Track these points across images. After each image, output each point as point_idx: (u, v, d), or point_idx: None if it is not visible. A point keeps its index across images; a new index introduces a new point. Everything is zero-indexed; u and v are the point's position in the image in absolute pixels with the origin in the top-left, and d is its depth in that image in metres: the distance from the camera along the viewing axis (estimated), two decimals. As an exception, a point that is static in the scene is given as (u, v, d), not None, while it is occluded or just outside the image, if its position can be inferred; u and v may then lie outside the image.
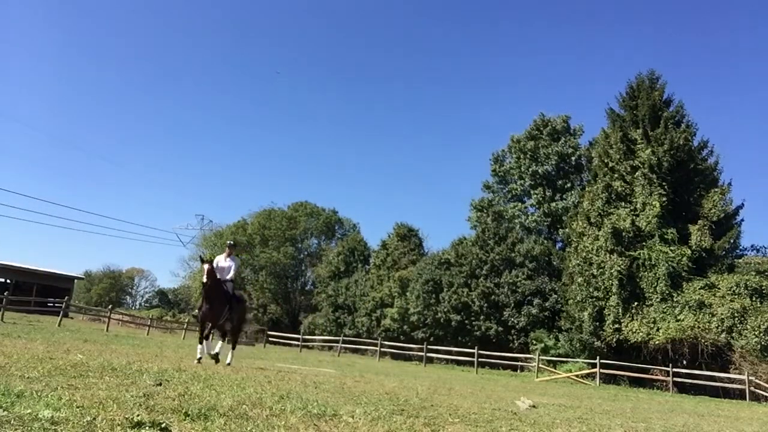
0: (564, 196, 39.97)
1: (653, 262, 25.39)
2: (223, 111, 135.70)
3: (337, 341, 35.22)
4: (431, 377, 16.15)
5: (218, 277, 10.54)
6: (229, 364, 10.49)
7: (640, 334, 24.68)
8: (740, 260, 26.69)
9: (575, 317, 27.79)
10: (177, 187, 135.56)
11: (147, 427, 3.25)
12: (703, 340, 23.37)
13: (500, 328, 33.85)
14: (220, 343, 11.02)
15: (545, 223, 40.55)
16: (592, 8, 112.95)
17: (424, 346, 30.64)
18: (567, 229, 32.60)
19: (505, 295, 34.42)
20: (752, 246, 28.60)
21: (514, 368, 29.66)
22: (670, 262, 24.97)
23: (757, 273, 24.78)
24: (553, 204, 39.88)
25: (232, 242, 11.73)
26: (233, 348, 11.14)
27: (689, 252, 25.46)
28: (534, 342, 31.20)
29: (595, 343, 26.47)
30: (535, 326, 32.68)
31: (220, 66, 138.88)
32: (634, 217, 26.92)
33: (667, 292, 24.76)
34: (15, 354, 6.68)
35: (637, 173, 27.83)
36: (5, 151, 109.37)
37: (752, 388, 21.40)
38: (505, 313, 34.11)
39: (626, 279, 25.74)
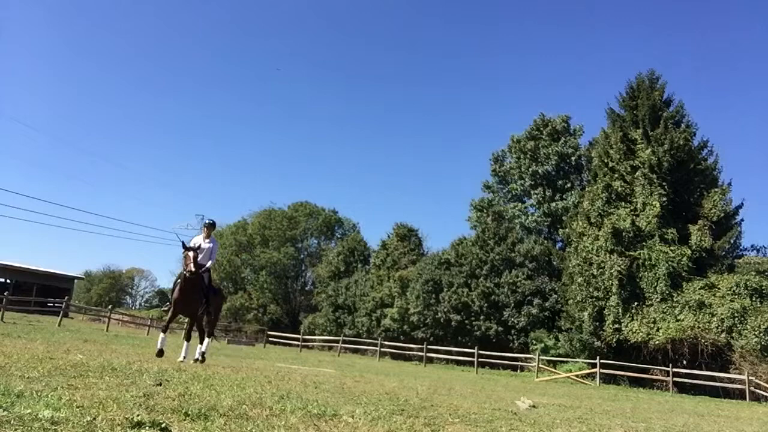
0: (564, 196, 39.97)
1: (653, 262, 25.39)
2: (223, 111, 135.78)
3: (337, 341, 35.22)
4: (431, 377, 16.15)
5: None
6: (197, 360, 9.75)
7: (640, 334, 24.68)
8: (740, 260, 26.69)
9: (575, 317, 27.80)
10: (177, 187, 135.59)
11: (147, 427, 3.24)
12: (703, 340, 23.37)
13: (500, 328, 33.85)
14: (199, 346, 10.13)
15: (545, 223, 40.55)
16: (592, 8, 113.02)
17: (424, 346, 30.64)
18: (567, 229, 32.60)
19: (505, 295, 34.43)
20: (752, 246, 28.65)
21: (514, 368, 29.66)
22: (670, 262, 24.97)
23: (757, 273, 24.78)
24: (553, 204, 39.88)
25: (211, 221, 10.39)
26: (201, 342, 10.34)
27: (689, 252, 25.45)
28: (534, 342, 31.20)
29: (595, 343, 26.47)
30: (535, 326, 32.68)
31: (220, 65, 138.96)
32: (634, 217, 26.93)
33: (667, 292, 24.77)
34: (15, 354, 6.68)
35: (637, 173, 27.84)
36: (5, 151, 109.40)
37: (752, 388, 21.40)
38: (505, 313, 34.11)
39: (626, 279, 25.74)
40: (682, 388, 23.19)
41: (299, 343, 35.70)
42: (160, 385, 5.12)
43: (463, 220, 54.86)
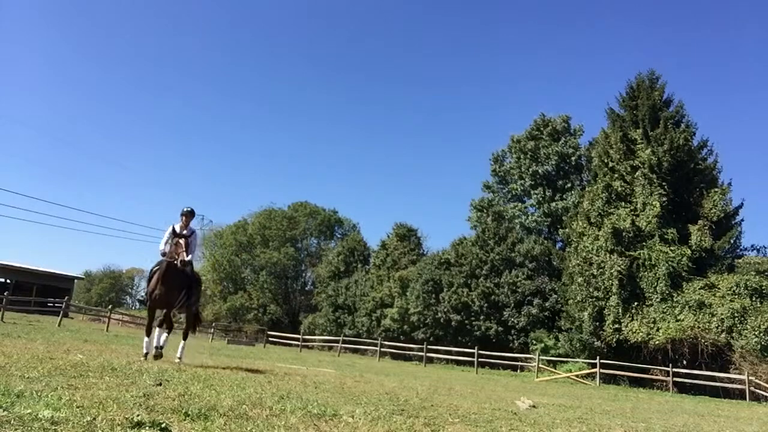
0: (564, 196, 39.97)
1: (653, 262, 25.39)
2: (223, 111, 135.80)
3: (337, 341, 35.21)
4: (431, 377, 16.15)
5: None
6: (180, 359, 9.11)
7: (640, 334, 24.68)
8: (740, 260, 26.68)
9: (575, 317, 27.80)
10: (177, 187, 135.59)
11: (147, 427, 3.24)
12: (703, 340, 23.37)
13: (500, 328, 33.85)
14: (165, 334, 9.22)
15: (545, 223, 40.55)
16: (592, 8, 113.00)
17: (424, 346, 30.63)
18: (567, 229, 32.60)
19: (505, 295, 34.42)
20: (752, 246, 28.62)
21: (514, 368, 29.66)
22: (670, 262, 24.97)
23: (757, 273, 24.77)
24: (553, 204, 39.89)
25: (190, 209, 9.45)
26: (185, 338, 9.68)
27: (689, 252, 25.45)
28: (534, 342, 31.20)
29: (595, 343, 26.46)
30: (535, 326, 32.68)
31: (220, 65, 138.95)
32: (634, 217, 26.92)
33: (667, 292, 24.77)
34: (15, 354, 6.68)
35: (637, 173, 27.84)
36: (5, 151, 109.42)
37: (752, 388, 21.39)
38: (505, 313, 34.11)
39: (626, 279, 25.74)
40: (682, 388, 23.18)
41: (299, 343, 35.69)
42: (160, 385, 5.12)
43: (463, 220, 54.89)
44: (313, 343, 39.13)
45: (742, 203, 27.85)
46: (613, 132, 30.25)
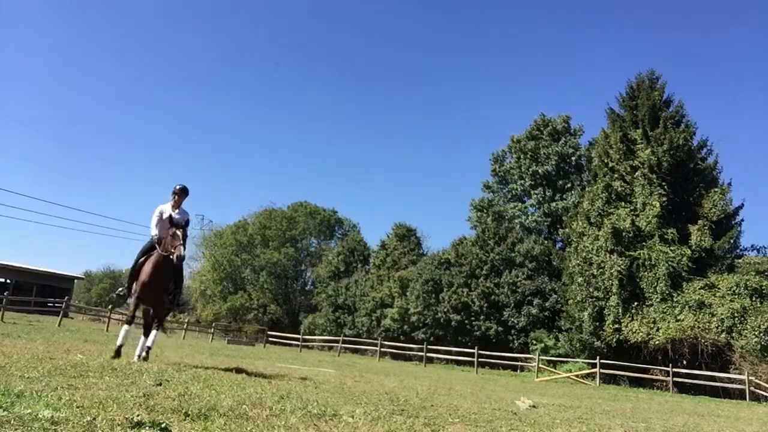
0: (564, 196, 39.98)
1: (653, 262, 25.40)
2: (222, 110, 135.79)
3: (337, 341, 35.21)
4: (431, 377, 16.15)
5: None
6: (141, 356, 8.06)
7: (640, 334, 24.68)
8: (740, 260, 26.68)
9: (575, 317, 27.80)
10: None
11: (147, 427, 3.24)
12: (703, 340, 23.37)
13: (500, 328, 33.85)
14: (147, 337, 8.35)
15: (545, 223, 40.56)
16: (592, 8, 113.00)
17: (424, 346, 30.63)
18: (567, 229, 32.61)
19: (505, 295, 34.43)
20: (752, 246, 28.62)
21: (514, 368, 29.66)
22: (670, 262, 24.97)
23: (757, 273, 24.77)
24: (553, 204, 39.90)
25: (183, 186, 8.25)
26: (147, 335, 8.48)
27: (689, 252, 25.46)
28: (534, 342, 31.20)
29: (595, 343, 26.47)
30: (535, 326, 32.68)
31: (220, 65, 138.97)
32: (634, 217, 26.93)
33: (667, 292, 24.77)
34: (15, 354, 6.68)
35: (636, 173, 27.84)
36: (5, 151, 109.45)
37: (752, 388, 21.40)
38: (505, 313, 34.11)
39: (626, 279, 25.74)
40: (682, 388, 23.19)
41: (299, 343, 35.69)
42: (160, 385, 5.12)
43: (463, 220, 54.92)
44: (313, 343, 39.14)
45: (742, 203, 27.88)
46: (613, 132, 30.25)
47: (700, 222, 26.42)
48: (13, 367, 5.27)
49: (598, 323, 26.43)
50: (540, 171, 41.09)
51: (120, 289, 8.45)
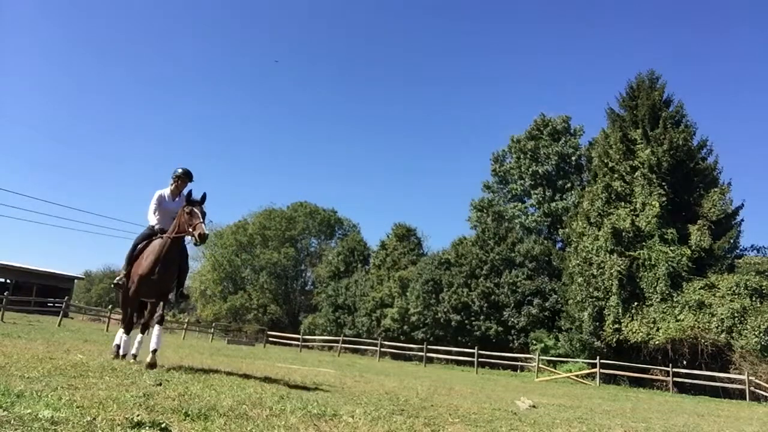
0: (564, 196, 40.02)
1: (653, 262, 25.41)
2: (223, 110, 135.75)
3: (337, 341, 35.21)
4: (431, 377, 16.15)
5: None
6: (152, 363, 6.44)
7: (640, 334, 24.69)
8: (740, 260, 26.70)
9: (575, 317, 27.81)
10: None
11: (147, 427, 3.24)
12: (703, 340, 23.39)
13: (500, 328, 33.86)
14: (144, 335, 7.40)
15: (545, 223, 40.59)
16: (592, 8, 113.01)
17: (424, 346, 30.63)
18: (567, 229, 32.64)
19: (505, 295, 34.44)
20: (752, 246, 28.69)
21: (514, 368, 29.67)
22: (670, 262, 24.98)
23: (757, 273, 24.79)
24: (553, 204, 39.92)
25: (187, 170, 7.31)
26: (144, 332, 7.43)
27: (689, 252, 25.47)
28: (534, 342, 31.21)
29: (595, 343, 26.48)
30: (535, 326, 32.69)
31: (220, 64, 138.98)
32: (633, 217, 26.94)
33: (667, 292, 24.78)
34: (15, 354, 6.68)
35: (636, 173, 27.86)
36: (5, 151, 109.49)
37: (752, 388, 21.40)
38: (505, 313, 34.13)
39: (626, 279, 25.75)
40: (682, 388, 23.19)
41: (299, 343, 35.69)
42: (160, 385, 5.12)
43: (463, 220, 54.93)
44: (313, 343, 39.15)
45: (742, 203, 27.92)
46: (613, 132, 30.28)
47: (699, 222, 26.43)
48: (13, 367, 5.27)
49: (598, 323, 26.44)
50: (540, 171, 41.12)
51: (118, 277, 7.32)
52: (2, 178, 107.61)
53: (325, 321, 44.92)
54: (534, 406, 8.29)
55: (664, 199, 26.59)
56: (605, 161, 29.71)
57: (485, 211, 42.32)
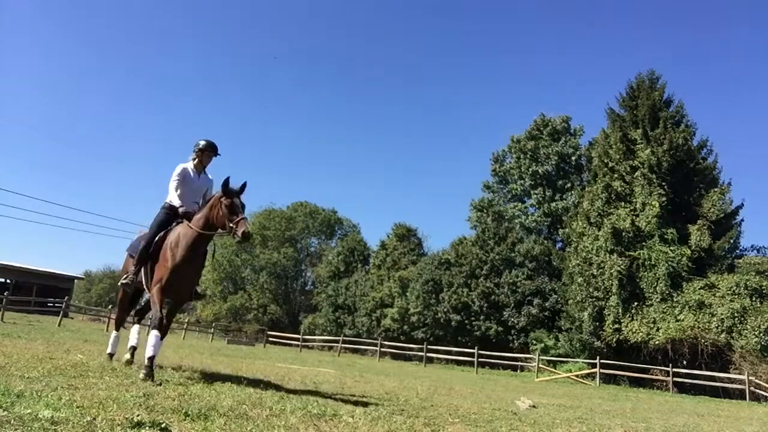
0: (564, 196, 40.03)
1: (653, 262, 25.41)
2: (223, 110, 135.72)
3: (337, 341, 35.20)
4: (431, 377, 16.15)
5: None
6: (148, 373, 5.32)
7: (640, 334, 24.69)
8: (740, 260, 26.71)
9: (575, 317, 27.82)
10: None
11: (147, 427, 3.24)
12: (703, 340, 23.39)
13: (500, 328, 33.87)
14: (137, 326, 6.90)
15: (545, 223, 40.60)
16: (592, 8, 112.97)
17: (424, 346, 30.63)
18: (567, 229, 32.65)
19: (505, 295, 34.44)
20: (752, 246, 28.67)
21: (514, 368, 29.67)
22: (670, 262, 24.99)
23: (757, 273, 24.79)
24: (553, 204, 39.93)
25: (212, 143, 6.41)
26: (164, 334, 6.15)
27: (689, 252, 25.47)
28: (534, 342, 31.22)
29: (595, 343, 26.48)
30: (535, 326, 32.70)
31: (220, 64, 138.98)
32: (633, 217, 26.95)
33: (667, 292, 24.78)
34: (15, 354, 6.67)
35: (636, 173, 27.86)
36: (5, 151, 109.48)
37: (752, 388, 21.40)
38: (505, 313, 34.13)
39: (626, 279, 25.76)
40: (682, 388, 23.20)
41: (299, 343, 35.69)
42: (160, 385, 5.12)
43: (463, 220, 54.92)
44: (313, 343, 39.14)
45: (742, 203, 27.93)
46: (613, 132, 30.28)
47: (699, 222, 26.44)
48: (13, 367, 5.27)
49: (598, 323, 26.45)
50: (540, 171, 41.13)
51: (125, 276, 6.27)
52: (2, 178, 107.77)
53: (325, 321, 44.92)
54: (534, 406, 8.29)
55: (664, 199, 26.59)
56: (605, 161, 29.72)
57: (485, 211, 42.33)
